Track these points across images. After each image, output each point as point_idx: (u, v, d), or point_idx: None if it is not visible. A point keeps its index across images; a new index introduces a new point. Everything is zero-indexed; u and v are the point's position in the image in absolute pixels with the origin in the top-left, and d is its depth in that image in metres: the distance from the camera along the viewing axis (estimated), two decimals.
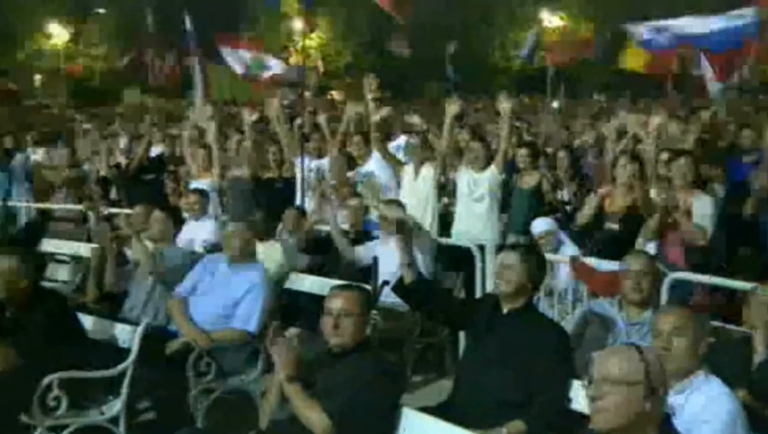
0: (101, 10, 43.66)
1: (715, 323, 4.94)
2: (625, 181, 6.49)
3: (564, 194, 7.91)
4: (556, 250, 6.69)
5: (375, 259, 6.23)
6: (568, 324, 4.78)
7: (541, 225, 6.87)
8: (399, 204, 6.75)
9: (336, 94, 39.38)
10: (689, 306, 4.40)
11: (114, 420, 4.71)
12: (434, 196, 7.58)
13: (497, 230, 7.27)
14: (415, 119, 9.14)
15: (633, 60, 15.13)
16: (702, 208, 6.07)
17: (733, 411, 3.35)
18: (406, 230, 4.62)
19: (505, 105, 7.31)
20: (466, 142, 8.45)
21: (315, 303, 4.70)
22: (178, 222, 7.23)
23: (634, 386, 2.67)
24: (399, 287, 4.61)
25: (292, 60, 29.13)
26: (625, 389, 2.66)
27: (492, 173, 7.25)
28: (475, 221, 7.26)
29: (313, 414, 3.60)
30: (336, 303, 3.83)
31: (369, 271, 6.43)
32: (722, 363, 3.72)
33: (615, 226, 6.50)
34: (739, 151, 8.21)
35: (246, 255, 5.62)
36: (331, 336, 3.80)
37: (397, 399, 3.83)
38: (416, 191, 7.56)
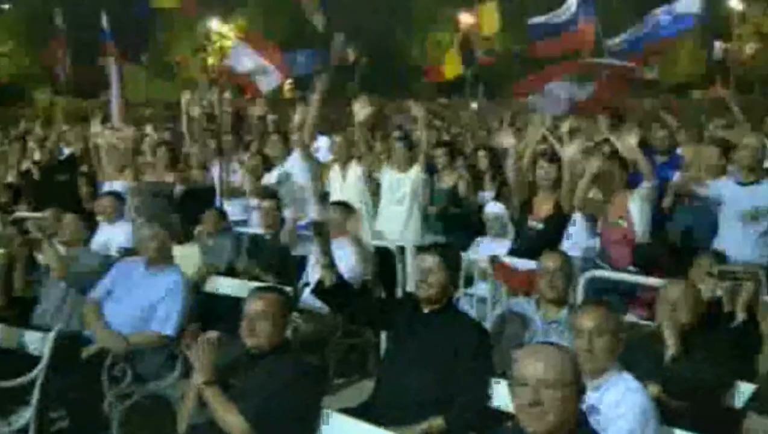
0: (6, 6, 42.23)
1: (631, 319, 5.06)
2: (546, 184, 6.62)
3: (486, 195, 7.99)
4: (499, 235, 6.82)
5: (301, 258, 6.21)
6: (488, 324, 4.83)
7: (492, 208, 6.96)
8: (346, 206, 6.71)
9: None
10: (606, 304, 4.49)
11: (23, 431, 4.54)
12: (366, 194, 7.57)
13: (417, 231, 7.30)
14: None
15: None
16: (635, 208, 6.22)
17: (644, 406, 3.43)
18: (324, 232, 4.59)
19: (418, 112, 7.41)
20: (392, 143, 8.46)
21: (235, 305, 4.64)
22: (93, 226, 7.06)
23: (569, 387, 2.70)
24: (319, 289, 4.58)
25: (210, 60, 28.73)
26: (560, 391, 2.68)
27: (415, 173, 7.29)
28: (395, 221, 7.28)
29: (231, 417, 3.56)
30: (254, 306, 3.81)
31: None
32: (636, 360, 3.81)
33: (540, 226, 6.62)
34: (650, 150, 8.39)
35: (163, 258, 5.50)
36: (248, 338, 3.78)
37: (319, 400, 3.82)
38: (346, 191, 7.54)
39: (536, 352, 2.79)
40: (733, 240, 6.02)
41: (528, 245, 6.39)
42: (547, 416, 2.66)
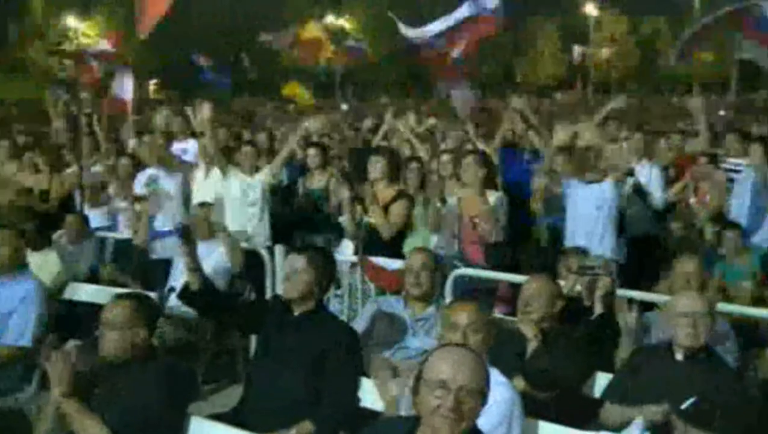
0: None
1: (497, 315, 5.18)
2: (378, 177, 6.72)
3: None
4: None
5: (167, 264, 6.06)
6: (358, 324, 4.84)
7: (344, 220, 6.97)
8: (203, 206, 6.59)
9: None
10: (476, 300, 4.59)
11: None
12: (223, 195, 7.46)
13: (268, 232, 7.27)
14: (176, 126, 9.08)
15: None
16: (493, 206, 6.33)
17: (511, 399, 3.52)
18: (190, 236, 4.50)
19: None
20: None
21: (96, 313, 4.47)
22: None
23: (485, 395, 2.72)
24: (185, 293, 4.48)
25: (67, 60, 27.62)
26: (479, 399, 2.69)
27: (263, 176, 7.26)
28: (246, 224, 7.23)
29: (92, 429, 3.44)
30: (111, 314, 3.69)
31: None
32: (501, 354, 3.91)
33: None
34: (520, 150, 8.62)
35: (15, 266, 5.24)
36: (107, 347, 3.66)
37: (185, 407, 3.75)
38: (207, 192, 7.41)
39: (460, 357, 2.72)
40: (583, 236, 6.27)
41: (370, 240, 6.49)
42: (461, 422, 2.65)
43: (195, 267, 4.43)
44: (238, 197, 7.30)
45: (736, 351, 4.54)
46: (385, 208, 6.67)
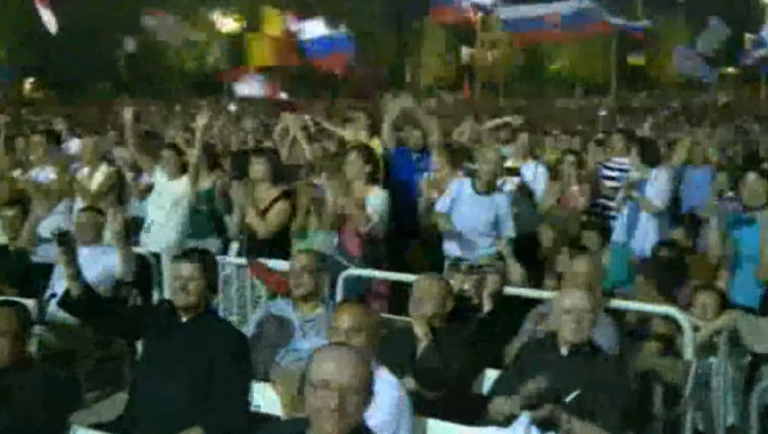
0: None
1: (385, 314, 5.20)
2: (259, 177, 6.67)
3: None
4: None
5: (49, 268, 5.82)
6: (248, 328, 4.78)
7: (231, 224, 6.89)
8: (98, 211, 6.39)
9: None
10: (363, 301, 4.61)
11: None
12: (111, 197, 7.29)
13: (172, 238, 7.10)
14: (60, 126, 8.83)
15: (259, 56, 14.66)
16: (376, 202, 6.33)
17: (399, 399, 3.55)
18: (68, 242, 4.34)
19: (199, 122, 7.27)
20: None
21: None
22: None
23: (368, 391, 2.72)
24: (66, 301, 4.33)
25: None
26: (362, 396, 2.68)
27: (183, 182, 7.10)
28: (157, 228, 7.08)
29: None
30: None
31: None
32: (392, 354, 3.93)
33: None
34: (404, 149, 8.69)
35: None
36: None
37: (66, 416, 3.65)
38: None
39: (339, 357, 2.71)
40: (465, 245, 6.33)
41: (251, 243, 6.43)
42: (347, 419, 2.65)
43: (75, 274, 4.29)
44: (155, 199, 7.18)
45: (617, 342, 4.68)
46: (268, 209, 6.60)
